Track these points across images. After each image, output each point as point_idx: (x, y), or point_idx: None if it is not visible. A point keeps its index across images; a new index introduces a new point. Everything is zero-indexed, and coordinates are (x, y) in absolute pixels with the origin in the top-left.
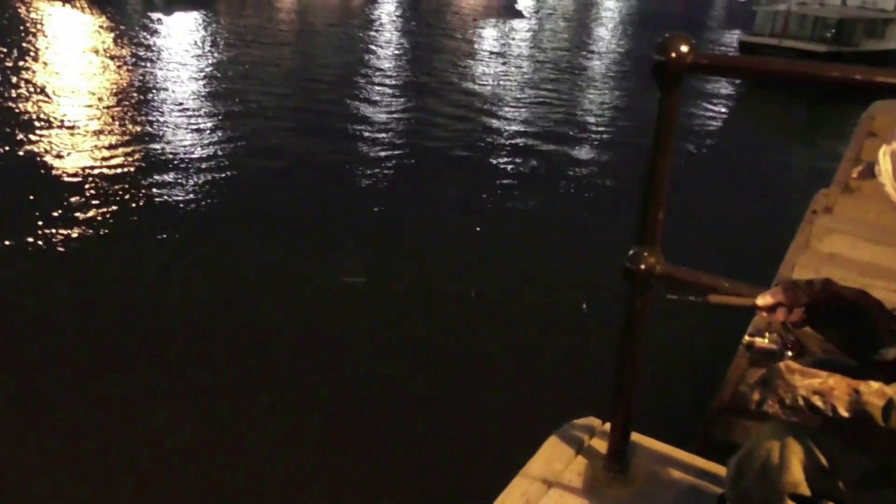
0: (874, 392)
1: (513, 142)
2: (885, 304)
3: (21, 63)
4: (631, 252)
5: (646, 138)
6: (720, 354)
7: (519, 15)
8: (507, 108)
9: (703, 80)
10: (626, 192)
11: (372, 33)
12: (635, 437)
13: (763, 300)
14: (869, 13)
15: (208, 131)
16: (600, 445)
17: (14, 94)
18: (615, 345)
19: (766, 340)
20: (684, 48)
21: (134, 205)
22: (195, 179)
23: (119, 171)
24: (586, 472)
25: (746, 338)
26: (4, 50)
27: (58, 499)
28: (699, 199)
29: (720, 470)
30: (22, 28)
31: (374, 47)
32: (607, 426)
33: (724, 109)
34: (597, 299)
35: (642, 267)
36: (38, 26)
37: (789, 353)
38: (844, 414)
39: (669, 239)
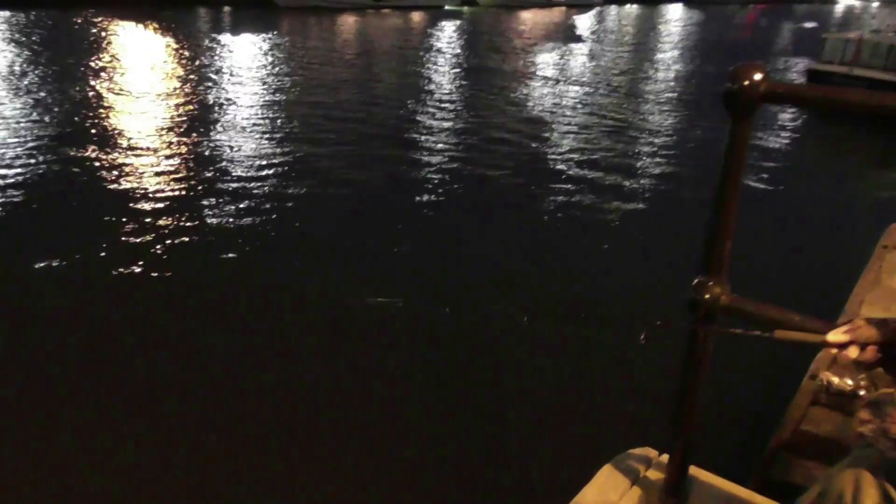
0: None
1: (568, 168)
2: None
3: (92, 80)
4: (695, 281)
5: (709, 167)
6: (781, 390)
7: (578, 39)
8: (564, 134)
9: (771, 106)
10: (684, 222)
11: (432, 56)
12: (693, 470)
13: (835, 337)
14: None
15: (268, 150)
16: (656, 477)
17: (83, 110)
18: (676, 376)
19: (839, 379)
20: (758, 76)
21: (191, 221)
22: (250, 198)
23: (176, 191)
24: (641, 503)
25: (821, 377)
26: (77, 66)
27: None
28: (765, 229)
29: None
30: (94, 46)
31: (433, 70)
32: (664, 457)
33: (792, 136)
34: (656, 329)
35: (707, 297)
36: (110, 45)
37: (862, 393)
38: None
39: (733, 269)
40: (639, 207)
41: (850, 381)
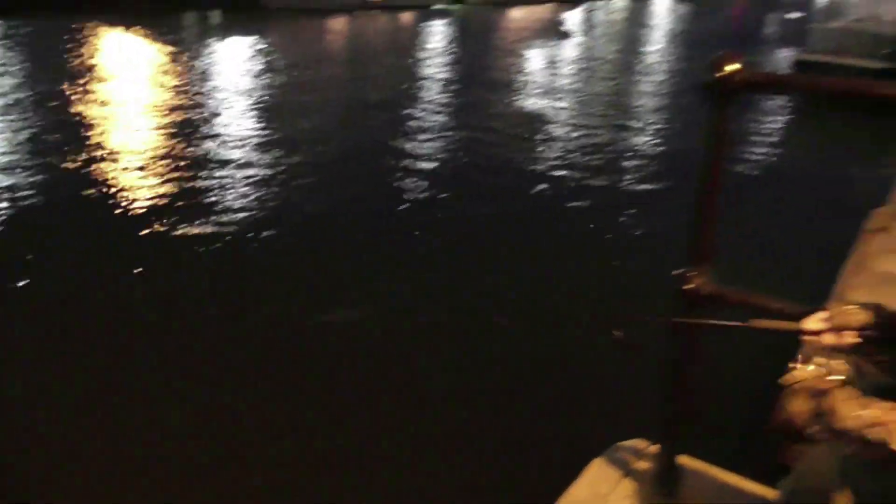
0: None
1: (552, 172)
2: None
3: (79, 86)
4: (680, 271)
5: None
6: (777, 373)
7: (565, 36)
8: (558, 130)
9: (759, 96)
10: (671, 215)
11: (419, 58)
12: (685, 460)
13: (809, 324)
14: None
15: (256, 157)
16: (648, 468)
17: (69, 117)
18: (666, 365)
19: (809, 367)
20: (735, 66)
21: (179, 223)
22: (236, 212)
23: (159, 202)
24: (633, 495)
25: (791, 367)
26: (69, 70)
27: None
28: (754, 217)
29: (772, 493)
30: (83, 52)
31: (424, 69)
32: (655, 448)
33: (780, 126)
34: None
35: (689, 287)
36: (98, 50)
37: (832, 378)
38: None
39: (722, 258)
40: (619, 201)
41: (816, 367)
